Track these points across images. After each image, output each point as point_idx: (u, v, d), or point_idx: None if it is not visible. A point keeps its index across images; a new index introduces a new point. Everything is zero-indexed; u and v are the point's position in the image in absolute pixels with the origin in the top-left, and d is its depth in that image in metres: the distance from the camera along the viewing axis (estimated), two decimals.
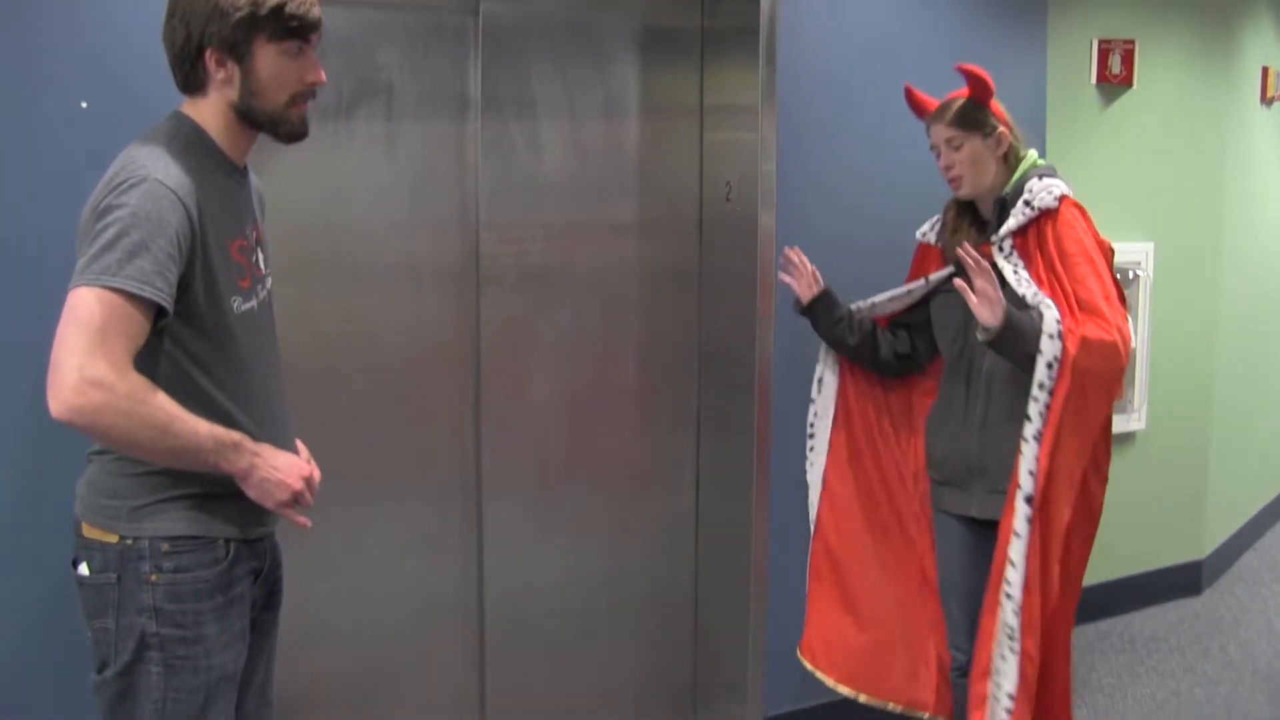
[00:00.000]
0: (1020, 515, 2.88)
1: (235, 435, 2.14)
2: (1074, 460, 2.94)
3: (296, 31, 2.21)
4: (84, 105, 2.81)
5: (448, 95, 3.58)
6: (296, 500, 2.22)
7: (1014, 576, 2.89)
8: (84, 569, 2.18)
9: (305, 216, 3.38)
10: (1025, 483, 2.88)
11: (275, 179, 3.16)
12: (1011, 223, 3.06)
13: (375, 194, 3.48)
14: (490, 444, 3.71)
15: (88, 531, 2.18)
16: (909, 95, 3.28)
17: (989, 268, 2.88)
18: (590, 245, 3.83)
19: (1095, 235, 3.07)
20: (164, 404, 2.02)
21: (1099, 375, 2.92)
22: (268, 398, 2.33)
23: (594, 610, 3.97)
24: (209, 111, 2.22)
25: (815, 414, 3.55)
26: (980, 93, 3.10)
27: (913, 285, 3.36)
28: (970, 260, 2.86)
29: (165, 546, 2.15)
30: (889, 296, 3.40)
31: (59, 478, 2.45)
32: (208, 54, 2.17)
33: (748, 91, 3.73)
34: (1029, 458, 2.88)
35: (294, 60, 2.23)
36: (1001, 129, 3.11)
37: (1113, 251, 3.12)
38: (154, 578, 2.15)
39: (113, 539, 2.16)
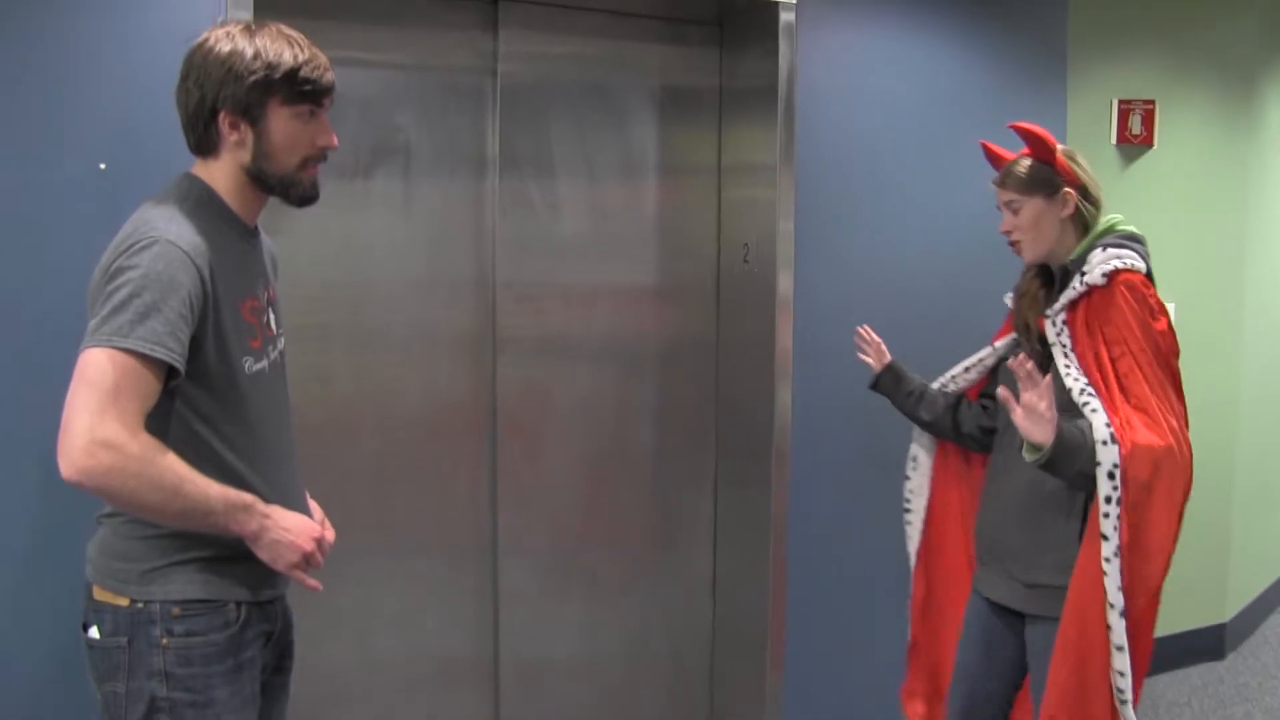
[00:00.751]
0: (1118, 630, 2.69)
1: (246, 497, 2.12)
2: (1157, 576, 2.76)
3: (310, 95, 2.21)
4: (102, 167, 2.82)
5: (465, 155, 3.60)
6: (307, 561, 2.20)
7: (1125, 684, 2.74)
8: (94, 632, 2.16)
9: (322, 276, 3.40)
10: (1117, 599, 2.67)
11: (293, 238, 3.18)
12: (1063, 297, 2.83)
13: (392, 254, 3.50)
14: (506, 505, 3.70)
15: (98, 594, 2.17)
16: (985, 151, 3.07)
17: (1041, 380, 2.63)
18: (608, 305, 3.84)
19: (1153, 319, 2.78)
20: (174, 465, 2.01)
21: (1156, 484, 2.68)
22: (279, 458, 2.32)
23: (610, 673, 3.94)
24: (220, 173, 2.23)
25: (911, 490, 3.33)
26: (1040, 151, 2.88)
27: (982, 353, 3.18)
28: (1023, 373, 2.64)
29: (176, 610, 2.13)
30: (964, 367, 3.21)
31: (69, 540, 2.44)
32: (221, 116, 2.17)
33: (766, 151, 3.75)
34: (1114, 575, 2.66)
35: (306, 124, 2.24)
36: (1067, 190, 2.86)
37: (1170, 334, 2.82)
38: (165, 641, 2.12)
39: (123, 602, 2.13)
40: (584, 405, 3.82)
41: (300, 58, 2.19)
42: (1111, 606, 2.68)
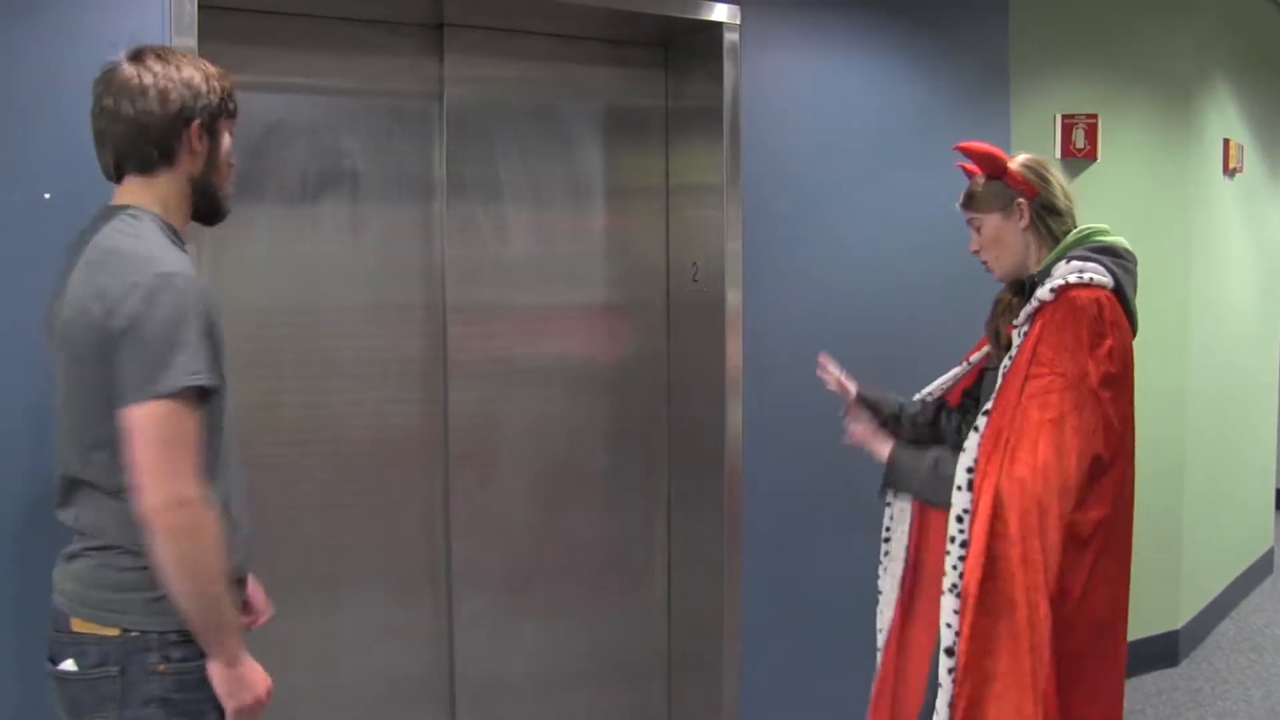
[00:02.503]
0: (943, 667, 2.57)
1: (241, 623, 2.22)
2: (1021, 633, 2.52)
3: (235, 113, 2.31)
4: (47, 197, 2.80)
5: (413, 180, 3.60)
6: (251, 711, 2.21)
7: None
8: (70, 664, 2.13)
9: (272, 302, 3.38)
10: (945, 635, 2.57)
11: (242, 263, 3.19)
12: (1024, 310, 2.70)
13: (341, 279, 3.49)
14: (459, 529, 3.68)
15: (78, 626, 2.13)
16: (964, 169, 2.93)
17: (856, 416, 3.03)
18: (558, 327, 3.85)
19: (1095, 342, 2.60)
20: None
21: (1019, 529, 2.52)
22: (241, 482, 2.32)
23: (566, 699, 3.93)
24: (165, 189, 2.21)
25: (891, 517, 3.11)
26: (988, 168, 2.79)
27: (959, 369, 3.11)
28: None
29: (175, 636, 2.12)
30: (945, 379, 3.13)
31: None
32: (194, 127, 2.19)
33: (712, 171, 3.77)
34: (947, 610, 2.57)
35: (230, 140, 2.32)
36: (1019, 201, 2.76)
37: (1112, 359, 2.63)
38: (161, 668, 2.11)
39: (113, 632, 2.11)
40: (535, 427, 3.82)
41: (228, 79, 2.28)
42: (940, 640, 2.59)
